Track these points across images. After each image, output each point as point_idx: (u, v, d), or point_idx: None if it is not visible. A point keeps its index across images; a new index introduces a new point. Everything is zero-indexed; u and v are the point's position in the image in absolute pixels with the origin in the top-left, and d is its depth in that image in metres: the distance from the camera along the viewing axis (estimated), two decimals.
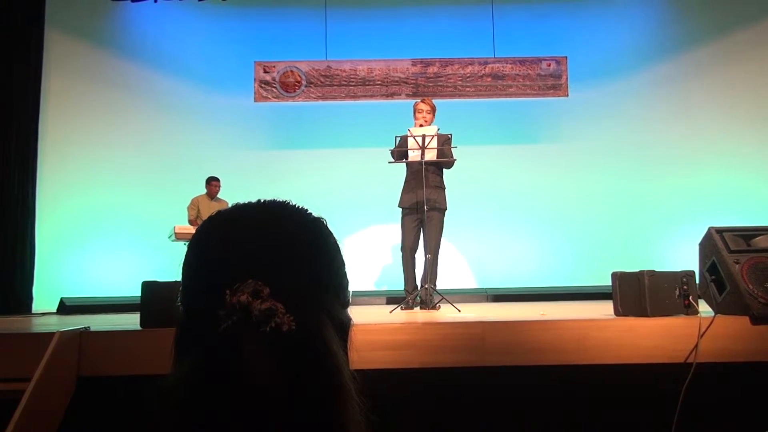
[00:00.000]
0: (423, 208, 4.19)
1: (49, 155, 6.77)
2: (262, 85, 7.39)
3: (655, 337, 2.40)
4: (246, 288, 0.54)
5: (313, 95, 7.42)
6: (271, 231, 0.60)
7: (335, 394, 0.55)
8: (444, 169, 4.50)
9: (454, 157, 4.38)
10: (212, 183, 6.37)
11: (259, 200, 0.64)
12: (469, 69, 7.45)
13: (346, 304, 0.65)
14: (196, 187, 6.45)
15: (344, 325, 0.63)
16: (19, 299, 6.04)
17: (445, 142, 4.35)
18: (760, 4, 7.30)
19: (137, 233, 6.84)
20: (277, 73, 7.40)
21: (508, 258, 7.21)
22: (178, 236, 5.60)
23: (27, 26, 6.45)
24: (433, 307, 4.11)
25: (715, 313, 2.54)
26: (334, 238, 0.65)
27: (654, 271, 2.65)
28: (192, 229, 5.53)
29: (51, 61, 6.87)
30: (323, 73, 7.43)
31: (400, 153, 4.36)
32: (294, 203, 0.64)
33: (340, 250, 0.65)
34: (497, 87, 7.44)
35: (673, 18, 7.55)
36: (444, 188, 4.46)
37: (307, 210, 0.64)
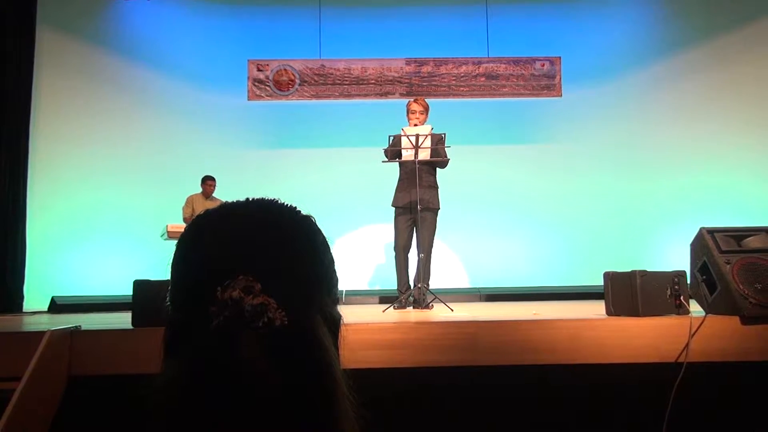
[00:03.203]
0: (416, 208, 4.19)
1: (41, 153, 6.72)
2: (256, 84, 7.37)
3: (647, 337, 2.41)
4: (237, 284, 0.53)
5: (306, 94, 7.41)
6: (261, 228, 0.60)
7: (328, 389, 0.55)
8: (438, 169, 4.50)
9: (448, 157, 4.39)
10: (207, 182, 6.34)
11: (247, 198, 0.64)
12: (463, 69, 7.46)
13: (337, 301, 0.65)
14: (188, 186, 6.42)
15: (335, 322, 0.63)
16: (10, 298, 6.00)
17: (438, 141, 4.36)
18: (754, 5, 7.35)
19: (129, 232, 6.81)
20: (271, 71, 7.38)
21: (501, 257, 7.22)
22: (171, 235, 5.58)
23: (18, 24, 6.41)
24: (426, 307, 4.11)
25: (706, 313, 2.55)
26: (323, 235, 0.65)
27: (646, 271, 2.66)
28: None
29: (42, 58, 6.82)
30: (317, 72, 7.42)
31: (393, 152, 4.37)
32: (283, 201, 0.64)
33: (329, 247, 0.65)
34: (491, 87, 7.45)
35: (667, 18, 7.58)
36: (437, 188, 4.47)
37: (295, 208, 0.64)
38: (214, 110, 7.41)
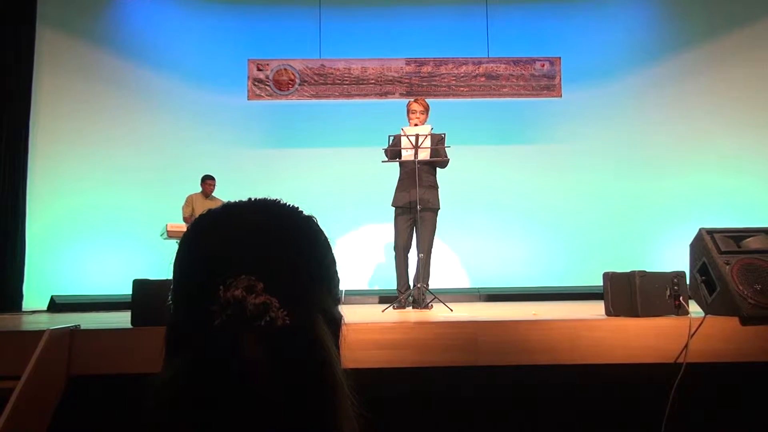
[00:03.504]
0: (416, 208, 4.19)
1: (40, 152, 6.72)
2: (256, 83, 7.36)
3: (646, 338, 2.41)
4: (239, 283, 0.53)
5: (306, 94, 7.41)
6: (263, 228, 0.60)
7: (329, 389, 0.55)
8: (438, 169, 4.50)
9: (448, 157, 4.39)
10: (207, 182, 6.34)
11: (250, 198, 0.64)
12: (463, 69, 7.46)
13: (338, 301, 0.65)
14: (188, 185, 6.42)
15: (336, 322, 0.63)
16: (10, 297, 5.99)
17: (438, 141, 4.36)
18: (753, 6, 7.35)
19: (129, 231, 6.81)
20: (271, 71, 7.38)
21: (501, 258, 7.23)
22: (171, 234, 5.58)
23: (18, 22, 6.40)
24: (426, 307, 4.11)
25: (706, 313, 2.55)
26: (325, 235, 0.65)
27: (645, 271, 2.66)
28: (184, 227, 5.51)
29: (42, 57, 6.81)
30: (317, 72, 7.42)
31: (393, 152, 4.37)
32: (285, 201, 0.65)
33: (331, 248, 0.65)
34: (491, 87, 7.45)
35: (667, 19, 7.59)
36: (437, 188, 4.47)
37: (298, 208, 0.65)
38: (214, 110, 7.41)
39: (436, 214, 4.42)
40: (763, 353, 2.39)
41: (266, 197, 0.65)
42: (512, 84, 7.45)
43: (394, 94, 7.40)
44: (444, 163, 4.43)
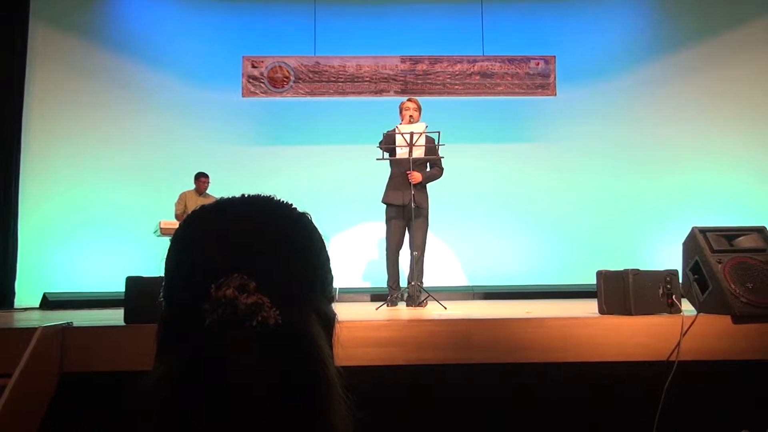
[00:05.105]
0: (410, 207, 4.20)
1: (33, 149, 6.68)
2: (250, 80, 7.34)
3: (639, 336, 2.43)
4: (231, 282, 0.53)
5: (301, 91, 7.39)
6: (257, 225, 0.60)
7: (321, 388, 0.55)
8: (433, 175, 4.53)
9: (442, 166, 4.44)
10: (201, 179, 6.31)
11: (243, 195, 0.63)
12: (458, 67, 7.46)
13: (332, 299, 0.65)
14: (182, 182, 6.40)
15: (329, 320, 0.63)
16: (1, 294, 5.97)
17: (433, 148, 4.38)
18: (749, 6, 7.39)
19: (122, 228, 6.78)
20: (266, 68, 7.36)
21: (495, 256, 7.24)
22: (164, 231, 5.57)
23: (11, 18, 6.35)
24: (420, 305, 4.12)
25: (698, 312, 2.57)
26: (319, 233, 0.64)
27: (638, 270, 2.67)
28: (177, 224, 5.49)
29: (36, 53, 6.77)
30: (312, 69, 7.41)
31: (388, 148, 4.38)
32: (279, 198, 0.64)
33: (325, 245, 0.64)
34: (486, 85, 7.46)
35: (662, 19, 7.61)
36: (426, 187, 4.49)
37: (292, 205, 0.64)
38: (209, 107, 7.38)
39: (428, 214, 4.44)
40: (754, 351, 2.41)
41: (259, 194, 0.64)
42: (507, 82, 7.46)
43: (388, 91, 7.39)
44: (439, 175, 4.46)
